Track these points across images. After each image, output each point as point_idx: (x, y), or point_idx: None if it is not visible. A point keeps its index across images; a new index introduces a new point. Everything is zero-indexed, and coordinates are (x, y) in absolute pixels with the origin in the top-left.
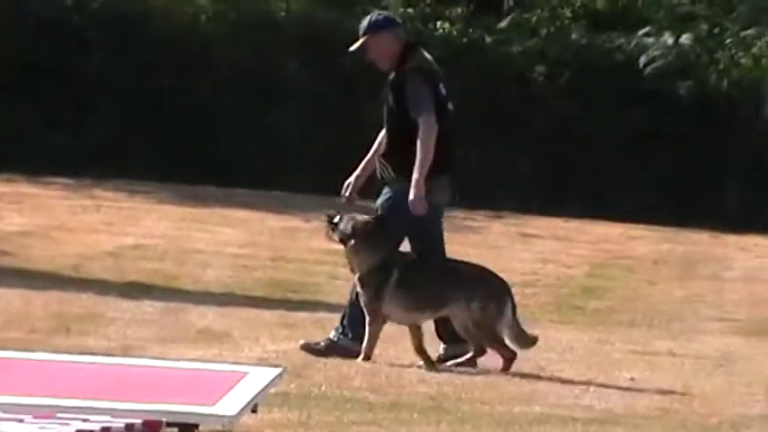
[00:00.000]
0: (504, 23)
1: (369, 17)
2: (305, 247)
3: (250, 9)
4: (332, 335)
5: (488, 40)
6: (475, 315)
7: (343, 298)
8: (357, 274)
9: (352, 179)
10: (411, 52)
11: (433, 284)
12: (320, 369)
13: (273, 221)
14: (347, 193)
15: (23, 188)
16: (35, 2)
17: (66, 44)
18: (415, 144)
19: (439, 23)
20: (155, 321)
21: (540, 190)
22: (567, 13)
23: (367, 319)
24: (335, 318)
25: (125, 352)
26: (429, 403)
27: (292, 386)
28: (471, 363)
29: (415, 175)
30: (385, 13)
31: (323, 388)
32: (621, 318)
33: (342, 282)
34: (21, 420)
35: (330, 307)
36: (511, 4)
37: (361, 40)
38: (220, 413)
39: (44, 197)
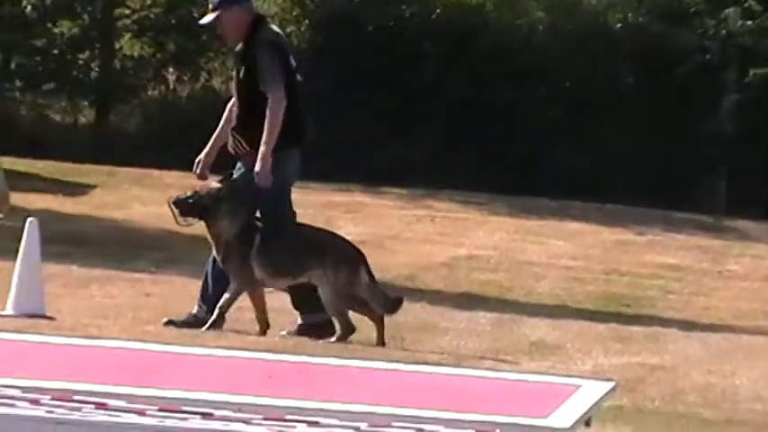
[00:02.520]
0: None
1: None
2: (638, 260)
3: (586, 20)
4: (195, 310)
5: None
6: (330, 280)
7: (678, 312)
8: (223, 241)
9: (202, 156)
10: (260, 25)
11: (291, 251)
12: (653, 384)
13: (607, 234)
14: (198, 171)
15: (359, 197)
16: (373, 12)
17: (400, 55)
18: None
19: None
20: (488, 332)
21: None
22: None
23: (234, 284)
24: (669, 332)
25: (458, 362)
26: (766, 420)
27: (625, 400)
28: (329, 331)
29: (262, 148)
30: None
31: (656, 403)
32: None
33: (675, 296)
34: (357, 428)
35: (663, 321)
36: None
37: (212, 15)
38: (554, 425)
39: (379, 206)
